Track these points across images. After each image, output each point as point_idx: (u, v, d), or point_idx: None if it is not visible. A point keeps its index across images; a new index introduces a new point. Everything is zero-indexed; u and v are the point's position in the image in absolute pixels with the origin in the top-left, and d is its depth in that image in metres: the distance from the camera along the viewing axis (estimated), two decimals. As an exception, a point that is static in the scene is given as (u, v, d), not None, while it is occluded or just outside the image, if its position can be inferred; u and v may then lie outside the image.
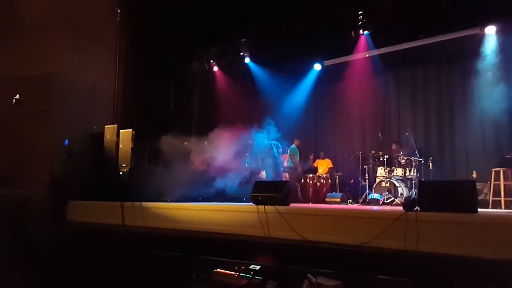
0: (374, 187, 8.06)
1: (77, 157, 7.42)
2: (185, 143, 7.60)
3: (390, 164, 8.29)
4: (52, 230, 6.21)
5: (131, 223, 5.90)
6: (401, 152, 8.29)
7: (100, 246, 5.73)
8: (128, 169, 6.75)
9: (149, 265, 5.14)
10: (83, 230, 6.23)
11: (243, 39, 9.61)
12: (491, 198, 7.18)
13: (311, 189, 8.98)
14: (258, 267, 4.36)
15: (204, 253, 4.84)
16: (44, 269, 5.53)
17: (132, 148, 6.79)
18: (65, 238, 6.05)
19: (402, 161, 8.16)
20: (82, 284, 5.23)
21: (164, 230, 5.46)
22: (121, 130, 7.06)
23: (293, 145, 9.26)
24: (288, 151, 9.13)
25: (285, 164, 9.17)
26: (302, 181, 9.20)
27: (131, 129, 6.90)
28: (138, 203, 5.89)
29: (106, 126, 7.40)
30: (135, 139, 6.81)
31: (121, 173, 6.79)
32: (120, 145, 6.97)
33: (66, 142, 7.91)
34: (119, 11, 8.67)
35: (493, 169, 7.33)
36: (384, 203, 7.57)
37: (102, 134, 7.37)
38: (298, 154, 9.27)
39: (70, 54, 8.05)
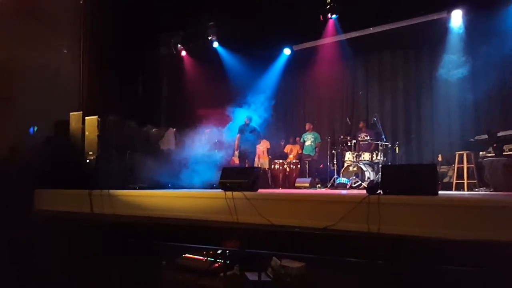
0: (342, 171, 8.19)
1: (40, 146, 7.21)
2: (153, 130, 7.49)
3: (358, 148, 8.44)
4: (20, 219, 6.06)
5: (100, 211, 5.82)
6: (369, 136, 8.44)
7: (69, 234, 5.63)
8: (94, 156, 6.60)
9: (118, 252, 5.10)
10: (52, 218, 6.10)
11: (211, 23, 9.45)
12: (455, 181, 7.40)
13: (281, 174, 9.06)
14: (225, 252, 4.44)
15: (173, 240, 4.85)
16: (13, 259, 5.41)
17: (98, 136, 6.63)
18: (33, 226, 5.93)
19: (362, 142, 8.31)
20: (52, 273, 5.14)
21: (133, 217, 5.40)
22: (86, 117, 6.86)
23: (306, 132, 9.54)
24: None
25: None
26: (272, 166, 9.26)
27: (96, 116, 6.73)
28: (106, 190, 5.80)
29: (71, 113, 7.18)
30: (101, 126, 6.65)
31: (88, 160, 6.64)
32: (86, 133, 6.79)
33: (32, 130, 7.65)
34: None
35: (457, 153, 7.56)
36: (351, 187, 7.70)
37: (67, 122, 7.15)
38: (312, 139, 9.43)
39: (31, 39, 7.70)
